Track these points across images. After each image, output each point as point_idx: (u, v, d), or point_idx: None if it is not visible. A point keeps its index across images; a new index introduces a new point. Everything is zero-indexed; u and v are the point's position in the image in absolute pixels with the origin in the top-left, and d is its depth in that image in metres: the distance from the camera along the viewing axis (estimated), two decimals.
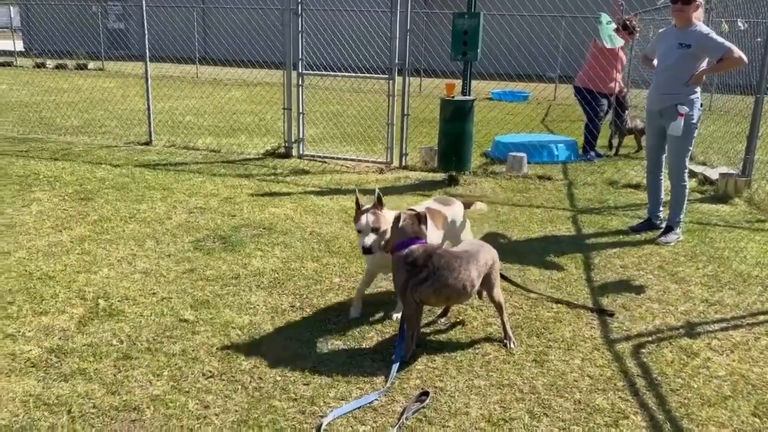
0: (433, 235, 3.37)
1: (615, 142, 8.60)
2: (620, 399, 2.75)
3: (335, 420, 2.52)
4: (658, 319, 3.54)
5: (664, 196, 5.20)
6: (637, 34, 8.50)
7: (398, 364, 2.89)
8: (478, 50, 6.62)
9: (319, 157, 7.73)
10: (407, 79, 7.13)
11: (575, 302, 3.70)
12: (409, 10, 6.97)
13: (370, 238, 3.11)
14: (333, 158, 7.69)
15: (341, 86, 13.63)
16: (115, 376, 2.79)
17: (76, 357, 2.93)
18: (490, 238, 4.79)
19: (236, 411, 2.58)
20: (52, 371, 2.81)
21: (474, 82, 7.09)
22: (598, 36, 7.66)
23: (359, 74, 8.03)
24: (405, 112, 7.22)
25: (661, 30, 5.44)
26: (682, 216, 4.95)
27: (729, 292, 3.95)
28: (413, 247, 2.98)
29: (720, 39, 4.62)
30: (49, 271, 3.90)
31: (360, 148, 8.35)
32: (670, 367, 3.03)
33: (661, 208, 5.21)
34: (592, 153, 8.20)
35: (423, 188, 6.39)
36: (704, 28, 4.70)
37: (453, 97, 6.70)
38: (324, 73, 8.51)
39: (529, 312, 3.58)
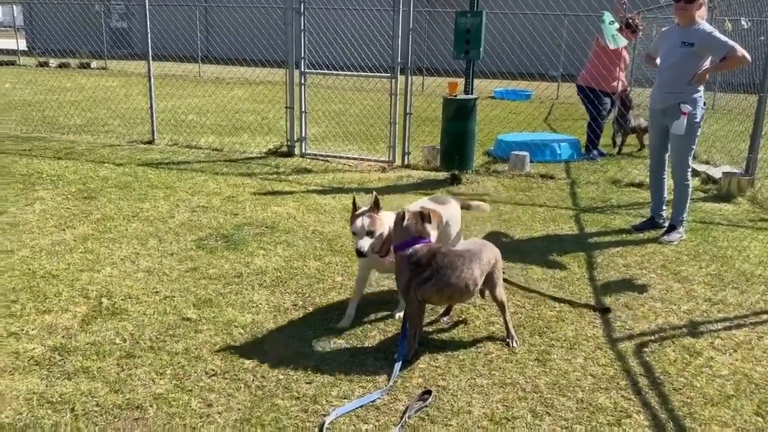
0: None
1: (618, 140, 8.60)
2: (623, 398, 2.75)
3: (338, 419, 2.52)
4: (661, 318, 3.54)
5: (667, 195, 5.19)
6: (640, 33, 8.46)
7: (401, 362, 2.89)
8: (481, 49, 6.61)
9: (322, 155, 7.73)
10: (410, 77, 7.13)
11: (578, 301, 3.70)
12: (411, 8, 6.97)
13: (365, 242, 3.10)
14: (335, 157, 7.69)
15: (344, 85, 13.64)
16: (118, 374, 2.80)
17: (79, 355, 2.94)
18: (493, 237, 4.79)
19: (239, 409, 2.58)
20: (56, 369, 2.82)
21: (476, 81, 7.08)
22: (601, 35, 7.64)
23: (362, 73, 8.03)
24: (407, 111, 7.21)
25: (664, 28, 5.43)
26: (685, 215, 4.94)
27: (732, 291, 3.94)
28: (417, 246, 2.97)
29: (723, 37, 4.61)
30: (52, 269, 3.91)
31: (362, 146, 8.35)
32: (673, 366, 3.03)
33: (664, 207, 5.20)
34: (595, 152, 8.18)
35: (425, 187, 6.39)
36: (707, 27, 4.69)
37: (455, 95, 6.69)
38: (326, 71, 8.52)
39: (532, 311, 3.58)
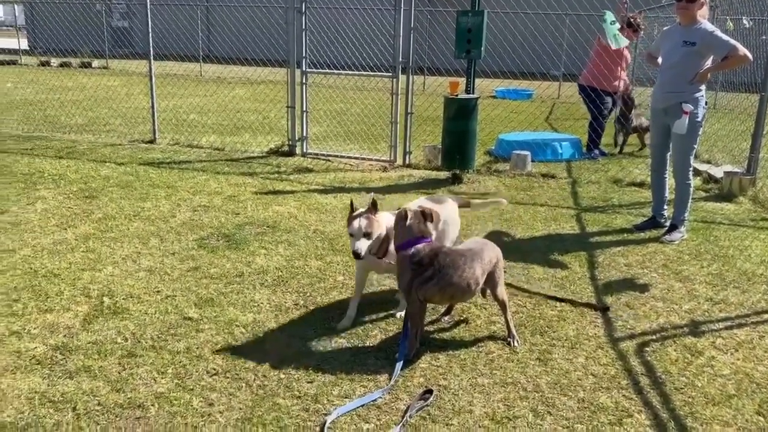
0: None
1: (620, 140, 8.59)
2: (624, 397, 2.75)
3: (339, 418, 2.53)
4: (663, 318, 3.54)
5: (669, 195, 5.19)
6: (642, 32, 8.45)
7: (402, 362, 2.89)
8: (482, 48, 6.61)
9: (323, 155, 7.73)
10: (411, 77, 7.13)
11: (578, 300, 3.70)
12: (412, 8, 6.97)
13: (362, 243, 3.10)
14: (336, 156, 7.69)
15: (345, 84, 13.63)
16: (119, 373, 2.80)
17: (80, 354, 2.94)
18: (494, 236, 4.79)
19: (240, 409, 2.58)
20: (57, 369, 2.82)
21: (478, 80, 7.08)
22: (602, 34, 7.64)
23: (363, 72, 8.03)
24: (408, 111, 7.21)
25: (665, 28, 5.43)
26: (686, 214, 4.94)
27: (733, 290, 3.94)
28: (419, 246, 2.97)
29: (725, 37, 4.61)
30: (53, 268, 3.92)
31: (363, 146, 8.35)
32: (675, 365, 3.03)
33: (666, 207, 5.19)
34: (596, 151, 8.18)
35: (427, 186, 6.39)
36: (709, 26, 4.68)
37: (457, 95, 6.68)
38: (328, 71, 8.51)
39: (533, 310, 3.58)
